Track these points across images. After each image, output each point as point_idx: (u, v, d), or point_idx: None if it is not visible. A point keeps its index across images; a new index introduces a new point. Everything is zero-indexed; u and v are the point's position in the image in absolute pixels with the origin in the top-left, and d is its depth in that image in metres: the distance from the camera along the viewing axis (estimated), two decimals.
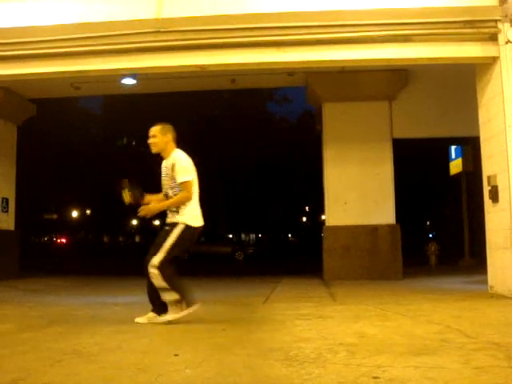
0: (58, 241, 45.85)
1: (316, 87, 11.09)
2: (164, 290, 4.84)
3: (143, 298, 5.23)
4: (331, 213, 10.91)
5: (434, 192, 28.92)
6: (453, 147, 16.54)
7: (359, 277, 10.06)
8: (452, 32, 7.15)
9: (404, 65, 9.48)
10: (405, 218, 16.28)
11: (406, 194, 21.06)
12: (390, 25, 7.18)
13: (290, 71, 10.30)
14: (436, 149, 19.81)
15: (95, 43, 7.38)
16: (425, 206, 31.71)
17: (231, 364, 3.29)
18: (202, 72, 8.50)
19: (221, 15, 7.26)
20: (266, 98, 36.15)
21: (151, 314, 4.97)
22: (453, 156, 16.71)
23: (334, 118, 11.05)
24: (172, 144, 5.15)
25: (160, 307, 4.98)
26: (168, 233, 4.92)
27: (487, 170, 7.47)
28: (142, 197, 5.15)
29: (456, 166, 16.39)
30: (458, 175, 16.59)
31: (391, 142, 10.86)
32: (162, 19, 7.24)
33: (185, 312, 4.88)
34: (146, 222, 34.75)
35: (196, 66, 7.68)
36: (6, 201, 11.26)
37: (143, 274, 4.94)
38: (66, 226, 41.99)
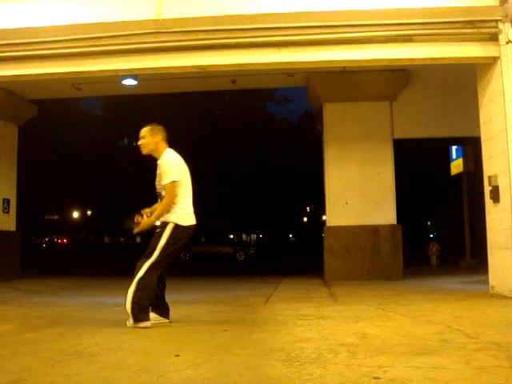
0: (59, 241, 45.90)
1: (317, 87, 11.10)
2: (136, 291, 4.71)
3: None
4: (332, 213, 10.91)
5: (435, 192, 28.89)
6: (454, 147, 16.52)
7: (360, 277, 10.06)
8: (453, 32, 7.15)
9: (405, 65, 9.48)
10: (406, 219, 16.27)
11: (406, 194, 21.04)
12: (390, 25, 7.18)
13: (290, 72, 10.30)
14: (436, 149, 19.80)
15: (96, 44, 7.39)
16: (426, 206, 31.67)
17: (232, 364, 3.29)
18: (202, 73, 8.51)
19: (221, 16, 7.25)
20: (266, 98, 36.17)
21: (153, 315, 4.97)
22: (454, 156, 16.69)
23: (334, 118, 11.05)
24: (162, 144, 5.10)
25: (161, 308, 4.99)
26: (160, 234, 4.88)
27: (488, 170, 7.46)
28: (140, 216, 5.08)
29: (457, 166, 16.37)
30: (458, 175, 16.57)
31: (392, 142, 10.86)
32: (163, 20, 7.23)
33: (140, 324, 4.69)
34: None
35: (196, 66, 7.68)
36: (7, 201, 11.27)
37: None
38: (66, 227, 42.02)
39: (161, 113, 25.79)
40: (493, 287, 7.29)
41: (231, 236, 42.55)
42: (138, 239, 47.68)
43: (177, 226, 4.87)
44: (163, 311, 5.02)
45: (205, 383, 2.90)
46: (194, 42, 7.34)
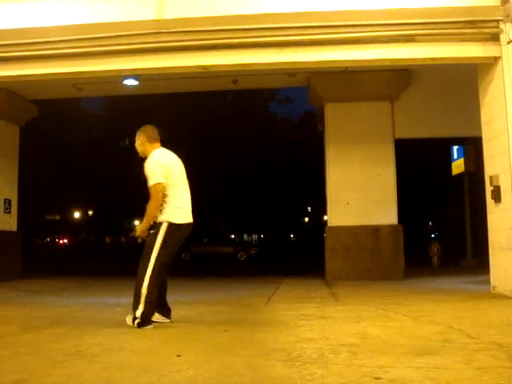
0: (60, 241, 45.90)
1: (318, 87, 11.09)
2: (139, 297, 4.70)
3: None
4: (333, 213, 10.91)
5: (436, 192, 28.87)
6: (455, 147, 16.50)
7: (361, 277, 10.05)
8: (454, 32, 7.15)
9: (406, 65, 9.46)
10: (407, 219, 16.24)
11: (408, 194, 21.04)
12: (392, 25, 7.19)
13: (292, 72, 10.30)
14: (438, 149, 19.78)
15: (97, 44, 7.39)
16: (427, 206, 31.65)
17: (233, 364, 3.29)
18: (204, 73, 8.51)
19: (222, 16, 7.25)
20: (268, 99, 36.16)
21: (155, 315, 4.96)
22: (455, 156, 16.67)
23: (335, 118, 11.05)
24: (148, 144, 5.06)
25: (162, 308, 4.99)
26: (155, 234, 4.88)
27: (489, 170, 7.46)
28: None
29: (458, 166, 16.34)
30: (459, 175, 16.56)
31: (393, 143, 10.85)
32: (164, 20, 7.23)
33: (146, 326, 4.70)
34: None
35: (199, 66, 7.69)
36: (8, 202, 11.29)
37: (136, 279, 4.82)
38: (67, 227, 42.02)
39: (163, 113, 25.81)
40: (494, 287, 7.28)
41: (232, 236, 42.55)
42: (139, 239, 47.72)
43: (170, 225, 4.85)
44: (164, 311, 5.03)
45: (206, 383, 2.90)
46: (196, 42, 7.34)
